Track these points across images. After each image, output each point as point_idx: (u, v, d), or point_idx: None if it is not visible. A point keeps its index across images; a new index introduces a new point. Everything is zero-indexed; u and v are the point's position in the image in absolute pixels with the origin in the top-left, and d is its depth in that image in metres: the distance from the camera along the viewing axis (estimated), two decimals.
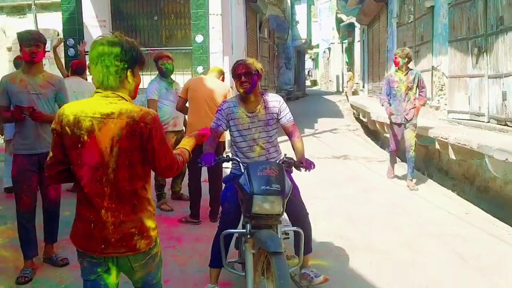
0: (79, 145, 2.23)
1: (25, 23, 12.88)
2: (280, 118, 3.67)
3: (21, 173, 4.03)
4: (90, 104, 2.26)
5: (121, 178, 2.25)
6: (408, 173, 7.01)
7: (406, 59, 6.74)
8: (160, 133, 2.30)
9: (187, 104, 5.49)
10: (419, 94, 6.89)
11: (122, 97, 2.28)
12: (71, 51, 10.42)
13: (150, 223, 2.34)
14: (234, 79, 3.58)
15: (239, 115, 3.59)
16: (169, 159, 2.36)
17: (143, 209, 2.33)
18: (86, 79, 7.66)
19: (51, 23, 13.56)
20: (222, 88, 5.55)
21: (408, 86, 6.75)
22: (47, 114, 3.99)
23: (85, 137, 2.21)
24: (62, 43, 9.42)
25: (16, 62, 7.03)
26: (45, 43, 4.12)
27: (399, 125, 6.90)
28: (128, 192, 2.28)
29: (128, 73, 2.29)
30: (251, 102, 3.60)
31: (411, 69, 6.90)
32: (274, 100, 3.68)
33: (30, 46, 3.95)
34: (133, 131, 2.22)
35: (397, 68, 6.90)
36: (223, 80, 5.88)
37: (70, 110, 2.26)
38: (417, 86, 6.81)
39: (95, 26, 11.60)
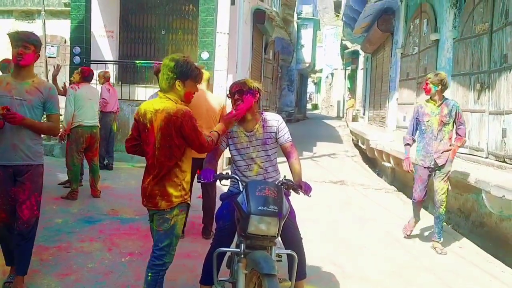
0: (146, 130, 3.20)
1: (33, 28, 12.95)
2: (279, 138, 3.68)
3: None
4: (152, 102, 3.24)
5: (162, 155, 3.15)
6: (435, 233, 5.62)
7: (440, 86, 5.43)
8: (190, 123, 3.11)
9: None
10: (456, 132, 5.55)
11: (169, 98, 3.18)
12: (77, 59, 10.53)
13: (172, 191, 3.17)
14: (230, 98, 3.66)
15: (237, 134, 3.62)
16: (200, 141, 3.18)
17: (169, 179, 3.17)
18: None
19: (59, 30, 13.68)
20: (218, 102, 5.47)
21: (441, 121, 5.42)
22: (27, 119, 3.63)
23: (148, 125, 3.18)
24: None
25: (2, 65, 6.60)
26: (37, 45, 3.71)
27: (427, 169, 5.55)
28: (165, 166, 3.16)
29: (177, 82, 3.17)
30: (248, 121, 3.62)
31: (446, 99, 5.54)
32: (273, 119, 3.70)
33: (17, 47, 3.60)
34: (169, 122, 3.10)
35: (428, 97, 5.63)
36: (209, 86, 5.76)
37: (143, 106, 3.25)
38: (453, 122, 5.48)
39: (102, 36, 11.73)
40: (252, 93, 3.54)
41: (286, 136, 3.69)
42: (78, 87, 6.87)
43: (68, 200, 6.68)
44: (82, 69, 7.34)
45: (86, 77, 7.05)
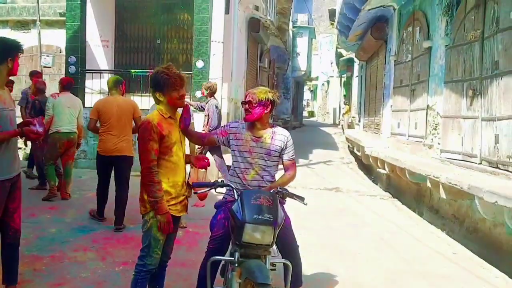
0: None
1: (29, 38, 12.99)
2: (283, 154, 3.70)
3: None
4: None
5: None
6: None
7: None
8: (141, 133, 3.24)
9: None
10: None
11: (157, 110, 3.34)
12: (72, 69, 10.55)
13: (146, 197, 3.27)
14: (242, 106, 3.73)
15: (245, 137, 3.64)
16: (142, 156, 3.24)
17: (143, 186, 3.30)
18: (77, 95, 8.36)
19: (55, 40, 13.70)
20: (129, 104, 6.16)
21: None
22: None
23: None
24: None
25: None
26: None
27: None
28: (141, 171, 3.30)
29: (157, 94, 3.30)
30: (257, 129, 3.66)
31: None
32: (282, 135, 3.71)
33: (18, 58, 3.49)
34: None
35: None
36: (122, 90, 6.27)
37: None
38: None
39: (98, 45, 11.77)
40: (263, 105, 3.57)
41: (291, 154, 3.73)
42: (58, 95, 7.28)
43: (62, 209, 6.71)
44: (61, 79, 7.77)
45: (65, 85, 7.41)
